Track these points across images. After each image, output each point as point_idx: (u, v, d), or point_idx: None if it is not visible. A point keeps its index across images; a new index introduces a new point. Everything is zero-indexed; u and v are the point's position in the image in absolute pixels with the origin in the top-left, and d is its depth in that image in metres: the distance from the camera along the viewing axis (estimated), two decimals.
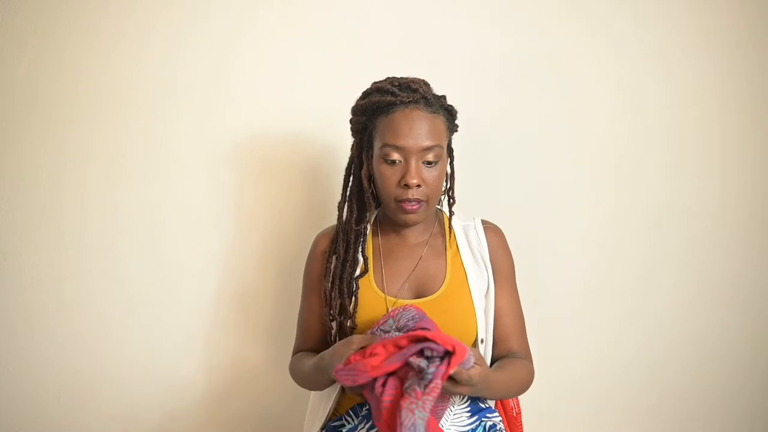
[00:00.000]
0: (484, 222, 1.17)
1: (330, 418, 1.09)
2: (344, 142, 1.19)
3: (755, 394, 1.53)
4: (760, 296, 1.52)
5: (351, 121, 1.10)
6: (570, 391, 1.51)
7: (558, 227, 1.49)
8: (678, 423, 1.53)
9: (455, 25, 1.47)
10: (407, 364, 0.84)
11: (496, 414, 1.04)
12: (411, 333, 0.86)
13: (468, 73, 1.47)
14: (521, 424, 1.15)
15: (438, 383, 0.80)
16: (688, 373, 1.52)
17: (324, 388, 1.09)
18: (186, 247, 1.46)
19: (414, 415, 0.79)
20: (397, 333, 0.93)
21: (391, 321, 0.98)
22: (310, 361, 1.07)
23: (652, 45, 1.48)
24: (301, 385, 1.12)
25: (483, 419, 1.00)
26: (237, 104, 1.44)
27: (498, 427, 1.02)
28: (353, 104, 1.09)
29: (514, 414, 1.14)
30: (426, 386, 0.81)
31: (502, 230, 1.18)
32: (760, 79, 1.49)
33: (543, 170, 1.49)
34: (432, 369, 0.81)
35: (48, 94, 1.41)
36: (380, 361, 0.85)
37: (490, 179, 1.48)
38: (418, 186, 1.01)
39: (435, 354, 0.83)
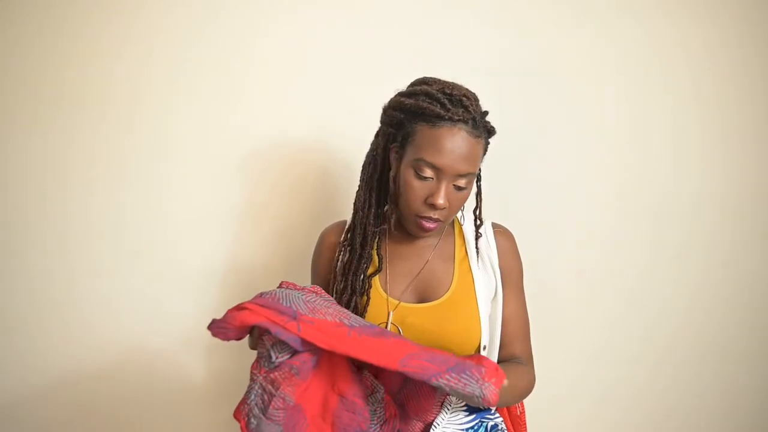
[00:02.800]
0: (494, 225, 1.14)
1: None
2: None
3: (757, 392, 1.53)
4: (761, 292, 1.50)
5: (385, 112, 1.06)
6: (573, 389, 1.52)
7: (559, 225, 1.49)
8: (680, 420, 1.53)
9: (460, 28, 1.47)
10: (261, 340, 0.88)
11: (497, 414, 1.04)
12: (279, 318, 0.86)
13: (469, 75, 1.45)
14: (525, 423, 1.16)
15: (280, 375, 0.84)
16: (691, 371, 1.52)
17: None
18: (191, 248, 1.47)
19: (254, 382, 0.85)
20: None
21: (313, 296, 0.96)
22: None
23: (653, 44, 1.47)
24: None
25: (484, 420, 1.00)
26: (244, 107, 1.45)
27: (500, 427, 1.02)
28: (394, 96, 1.04)
29: (518, 413, 1.15)
30: (270, 371, 0.85)
31: (513, 234, 1.16)
32: (761, 77, 1.47)
33: (544, 169, 1.49)
34: (277, 360, 0.85)
35: (53, 96, 1.42)
36: (248, 319, 0.87)
37: (491, 179, 1.47)
38: (443, 208, 1.00)
39: (289, 343, 0.85)
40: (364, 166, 1.10)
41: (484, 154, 1.05)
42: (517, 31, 1.48)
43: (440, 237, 1.12)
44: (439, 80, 1.02)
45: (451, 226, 1.15)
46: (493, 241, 1.11)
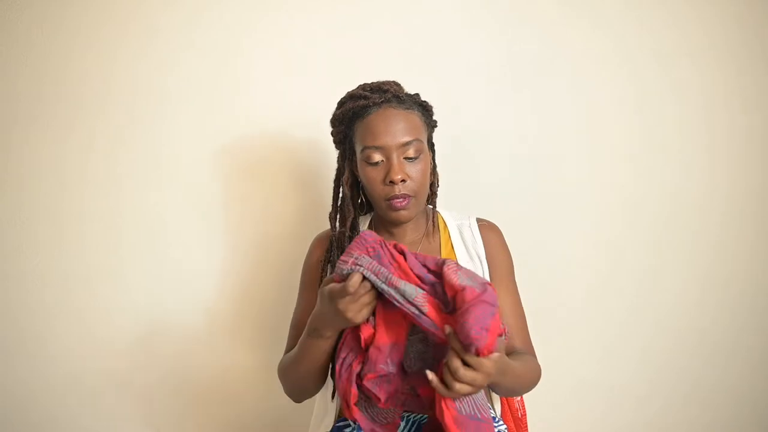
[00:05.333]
0: (479, 220, 1.16)
1: (335, 419, 1.07)
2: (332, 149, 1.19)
3: (760, 394, 1.52)
4: (764, 297, 1.50)
5: (332, 134, 1.12)
6: (575, 393, 1.51)
7: (563, 228, 1.49)
8: (684, 424, 1.53)
9: (457, 26, 1.46)
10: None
11: (502, 423, 1.02)
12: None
13: (471, 74, 1.46)
14: (526, 426, 1.15)
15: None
16: (694, 375, 1.52)
17: (317, 371, 0.99)
18: (187, 249, 1.46)
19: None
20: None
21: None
22: (298, 345, 1.01)
23: (657, 46, 1.47)
24: (289, 384, 1.06)
25: None
26: (234, 107, 1.45)
27: None
28: (331, 117, 1.10)
29: (519, 415, 1.14)
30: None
31: (499, 228, 1.16)
32: (766, 77, 1.47)
33: (548, 171, 1.48)
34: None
35: (51, 97, 1.42)
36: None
37: (495, 181, 1.48)
38: (403, 181, 1.01)
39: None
40: (334, 187, 1.15)
41: (429, 127, 1.10)
42: (518, 32, 1.47)
43: (423, 233, 1.13)
44: (362, 83, 1.09)
45: (433, 222, 1.15)
46: (479, 235, 1.13)
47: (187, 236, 1.46)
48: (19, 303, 1.43)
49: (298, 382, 1.04)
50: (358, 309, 0.86)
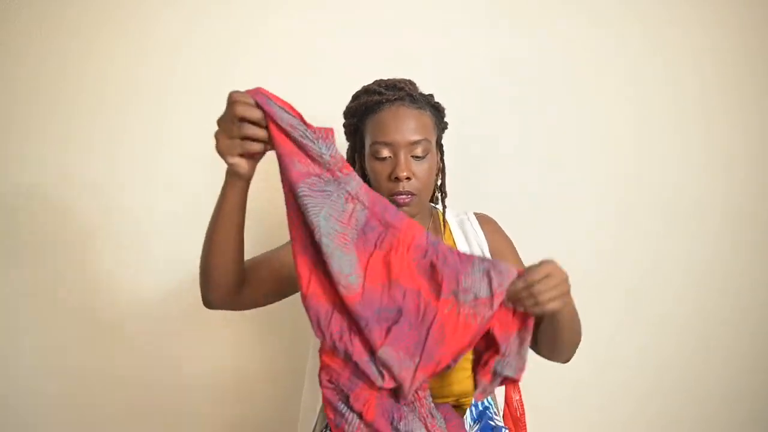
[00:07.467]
0: (476, 214, 1.18)
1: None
2: (344, 141, 1.19)
3: (759, 394, 1.52)
4: (764, 295, 1.50)
5: (344, 125, 1.13)
6: (574, 393, 1.51)
7: (563, 227, 1.49)
8: (683, 424, 1.53)
9: (460, 25, 1.46)
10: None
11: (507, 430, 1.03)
12: None
13: (472, 72, 1.46)
14: (525, 425, 1.15)
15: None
16: (694, 374, 1.52)
17: (225, 230, 1.02)
18: (187, 250, 1.45)
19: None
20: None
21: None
22: None
23: (656, 44, 1.47)
24: (205, 257, 1.04)
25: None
26: None
27: None
28: (344, 108, 1.11)
29: (518, 414, 1.14)
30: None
31: (493, 218, 1.19)
32: (765, 75, 1.47)
33: (547, 169, 1.48)
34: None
35: (50, 97, 1.42)
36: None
37: (495, 180, 1.48)
38: (408, 179, 1.03)
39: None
40: None
41: (439, 128, 1.12)
42: (519, 32, 1.47)
43: (426, 230, 1.13)
44: (378, 79, 1.10)
45: (435, 220, 1.17)
46: (479, 228, 1.15)
47: (187, 237, 1.44)
48: (18, 303, 1.43)
49: (211, 248, 1.03)
50: (229, 141, 0.91)
